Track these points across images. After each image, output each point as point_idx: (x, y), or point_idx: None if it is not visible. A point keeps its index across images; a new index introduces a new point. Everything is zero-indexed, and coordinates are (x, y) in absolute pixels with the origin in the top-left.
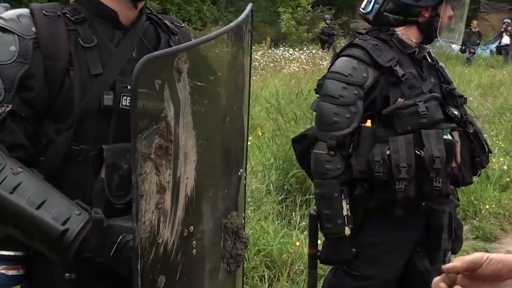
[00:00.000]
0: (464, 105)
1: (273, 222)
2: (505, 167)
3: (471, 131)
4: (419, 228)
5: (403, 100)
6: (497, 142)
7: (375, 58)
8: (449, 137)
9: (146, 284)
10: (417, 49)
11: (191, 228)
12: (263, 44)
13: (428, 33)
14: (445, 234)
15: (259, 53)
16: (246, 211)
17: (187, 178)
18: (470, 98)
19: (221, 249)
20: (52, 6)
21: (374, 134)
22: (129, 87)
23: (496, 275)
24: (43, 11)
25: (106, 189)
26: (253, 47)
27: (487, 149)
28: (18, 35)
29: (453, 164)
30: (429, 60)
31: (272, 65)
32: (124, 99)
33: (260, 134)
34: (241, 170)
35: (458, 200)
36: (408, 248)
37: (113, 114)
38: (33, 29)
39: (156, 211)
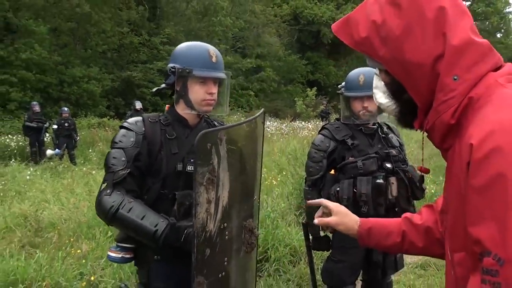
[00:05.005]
0: (404, 158)
1: (295, 226)
2: (433, 191)
3: (410, 176)
4: None
5: (352, 158)
6: (428, 176)
7: (334, 135)
8: (381, 181)
9: (199, 253)
10: (362, 127)
11: (225, 224)
12: (286, 119)
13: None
14: None
15: (284, 125)
16: (276, 221)
17: (223, 196)
18: (412, 149)
19: (242, 239)
20: (154, 115)
21: (334, 178)
22: (192, 160)
23: None
24: (149, 119)
25: (177, 215)
26: (280, 121)
27: (419, 187)
28: (135, 132)
29: (392, 195)
30: (380, 133)
31: (292, 131)
32: (189, 166)
33: (284, 173)
34: (255, 196)
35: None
36: None
37: (181, 175)
38: (143, 129)
39: (205, 213)
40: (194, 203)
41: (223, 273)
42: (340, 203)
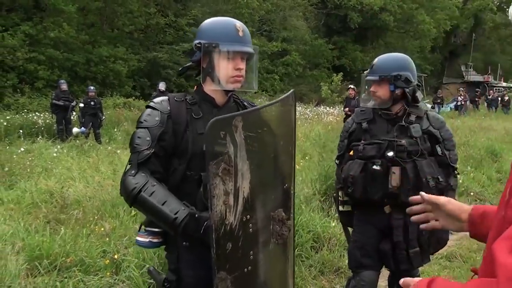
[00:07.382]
0: (422, 151)
1: (318, 213)
2: (460, 181)
3: (417, 167)
4: (383, 218)
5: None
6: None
7: (354, 118)
8: (378, 167)
9: (219, 248)
10: (381, 114)
11: (248, 216)
12: (311, 104)
13: None
14: (397, 231)
15: (308, 110)
16: (300, 207)
17: (244, 187)
18: None
19: (271, 230)
20: (180, 95)
21: (349, 158)
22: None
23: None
24: (175, 98)
25: (203, 197)
26: (304, 106)
27: (425, 181)
28: (160, 112)
29: (391, 185)
30: (403, 122)
31: (316, 117)
32: None
33: (307, 158)
34: (286, 185)
35: None
36: (378, 226)
37: None
38: (168, 108)
39: (223, 205)
40: (209, 195)
41: (249, 267)
42: (341, 183)
